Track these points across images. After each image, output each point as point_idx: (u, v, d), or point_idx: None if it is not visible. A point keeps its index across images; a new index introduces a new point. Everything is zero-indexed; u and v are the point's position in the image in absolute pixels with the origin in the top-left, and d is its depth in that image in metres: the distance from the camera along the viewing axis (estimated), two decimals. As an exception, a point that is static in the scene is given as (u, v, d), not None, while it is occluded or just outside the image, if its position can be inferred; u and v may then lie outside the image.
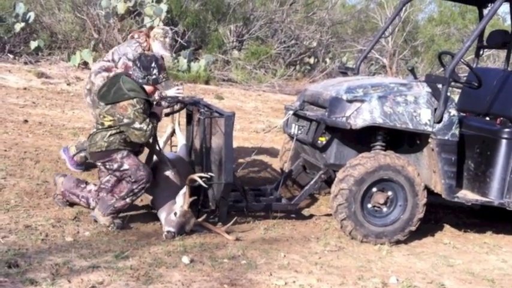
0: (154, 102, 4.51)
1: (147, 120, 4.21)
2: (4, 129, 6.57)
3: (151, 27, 5.36)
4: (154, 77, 4.32)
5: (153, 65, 4.31)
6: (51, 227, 4.10)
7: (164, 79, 4.40)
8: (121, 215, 4.41)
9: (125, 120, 4.17)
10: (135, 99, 4.17)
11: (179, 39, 12.12)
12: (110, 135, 4.26)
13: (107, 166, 4.33)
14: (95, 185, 4.57)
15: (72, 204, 4.56)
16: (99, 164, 4.41)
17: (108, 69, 5.14)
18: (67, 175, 4.66)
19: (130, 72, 4.40)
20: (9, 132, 6.49)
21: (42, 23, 11.98)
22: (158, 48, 5.11)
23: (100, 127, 4.31)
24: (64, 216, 4.34)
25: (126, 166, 4.27)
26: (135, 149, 4.42)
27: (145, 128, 4.18)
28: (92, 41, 11.63)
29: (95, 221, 4.30)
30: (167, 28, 5.35)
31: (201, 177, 4.29)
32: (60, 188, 4.54)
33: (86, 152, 4.66)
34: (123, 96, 4.17)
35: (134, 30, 5.49)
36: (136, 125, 4.16)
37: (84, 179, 4.70)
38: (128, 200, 4.31)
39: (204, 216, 4.38)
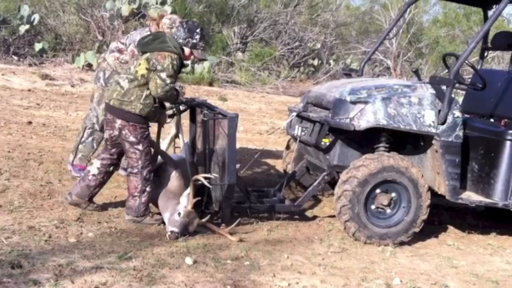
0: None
1: (174, 80, 4.32)
2: (8, 130, 6.59)
3: (162, 16, 5.30)
4: (194, 41, 4.41)
5: (197, 30, 4.43)
6: (55, 228, 4.10)
7: (201, 48, 4.47)
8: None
9: (158, 67, 4.24)
10: (175, 55, 4.28)
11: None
12: (146, 96, 4.29)
13: (123, 132, 4.31)
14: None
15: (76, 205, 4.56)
16: (118, 122, 4.31)
17: (120, 51, 5.19)
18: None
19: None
20: (13, 133, 6.51)
21: (46, 25, 12.04)
22: None
23: (133, 78, 4.31)
24: (67, 217, 4.35)
25: (140, 147, 4.33)
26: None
27: (168, 82, 4.24)
28: (96, 43, 11.68)
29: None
30: (175, 17, 5.25)
31: (205, 178, 4.30)
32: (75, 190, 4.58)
33: (106, 99, 4.51)
34: (167, 47, 4.28)
35: (149, 18, 5.48)
36: (163, 75, 4.23)
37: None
38: (148, 189, 4.40)
39: (207, 217, 4.38)
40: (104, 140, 4.67)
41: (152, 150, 4.48)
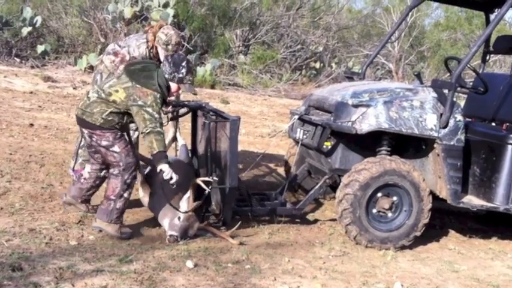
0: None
1: (160, 116, 4.21)
2: (10, 132, 6.60)
3: (160, 25, 5.11)
4: (181, 75, 4.27)
5: (183, 64, 4.28)
6: (56, 230, 4.10)
7: (189, 81, 4.34)
8: (127, 223, 4.41)
9: (140, 102, 4.10)
10: (159, 94, 4.17)
11: (185, 44, 12.17)
12: (111, 113, 4.15)
13: (94, 139, 4.20)
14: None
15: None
16: (85, 131, 4.24)
17: (116, 54, 5.08)
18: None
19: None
20: (14, 135, 6.51)
21: (49, 27, 12.07)
22: (161, 54, 4.98)
23: (103, 96, 4.20)
24: (68, 220, 4.34)
25: (116, 149, 4.17)
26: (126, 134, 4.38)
27: (156, 116, 4.12)
28: (98, 45, 11.70)
29: (100, 231, 4.22)
30: (171, 33, 5.02)
31: (204, 181, 4.29)
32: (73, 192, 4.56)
33: (77, 115, 4.35)
34: (152, 85, 4.15)
35: (148, 25, 5.35)
36: (150, 110, 4.10)
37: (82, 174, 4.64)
38: (125, 195, 4.21)
39: (208, 221, 4.37)
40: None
41: (133, 151, 4.32)
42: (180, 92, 4.59)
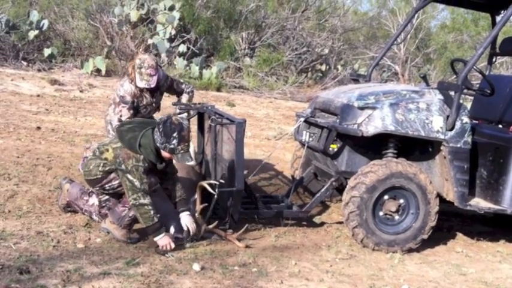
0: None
1: (144, 180, 4.01)
2: (17, 135, 6.63)
3: (135, 57, 5.11)
4: (172, 146, 4.05)
5: (174, 134, 4.03)
6: (63, 233, 4.11)
7: (182, 151, 4.08)
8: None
9: (122, 167, 4.02)
10: (141, 156, 4.04)
11: (191, 47, 12.19)
12: (104, 165, 4.19)
13: (107, 187, 4.27)
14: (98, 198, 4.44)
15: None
16: (97, 188, 4.31)
17: (114, 101, 5.13)
18: (73, 182, 4.60)
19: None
20: (22, 139, 6.54)
21: (55, 30, 12.11)
22: (137, 81, 4.93)
23: (97, 154, 4.23)
24: (76, 223, 4.36)
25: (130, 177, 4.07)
26: None
27: (137, 184, 3.97)
28: (105, 49, 11.73)
29: (108, 233, 4.23)
30: (145, 57, 4.96)
31: (210, 184, 4.29)
32: (65, 196, 4.50)
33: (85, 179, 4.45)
34: (133, 147, 4.04)
35: (130, 63, 5.24)
36: (130, 176, 3.98)
37: (88, 189, 4.52)
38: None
39: (215, 223, 4.37)
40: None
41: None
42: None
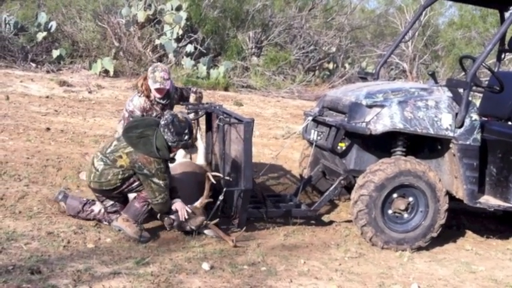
0: None
1: (167, 180, 4.21)
2: (27, 137, 6.67)
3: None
4: (184, 142, 4.28)
5: (186, 131, 4.24)
6: (73, 233, 4.14)
7: (191, 144, 4.46)
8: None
9: (145, 171, 4.15)
10: (160, 159, 4.18)
11: (198, 47, 12.21)
12: (123, 172, 4.23)
13: (125, 190, 4.32)
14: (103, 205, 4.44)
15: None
16: (113, 194, 4.34)
17: (123, 117, 5.17)
18: (68, 197, 4.53)
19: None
20: (31, 140, 6.58)
21: (63, 32, 12.16)
22: (151, 84, 4.99)
23: (109, 163, 4.24)
24: (86, 223, 4.38)
25: (155, 180, 4.20)
26: None
27: (163, 185, 4.18)
28: (112, 49, 11.77)
29: (119, 231, 4.27)
30: (158, 63, 5.24)
31: (214, 176, 4.37)
32: (68, 212, 4.48)
33: (86, 180, 4.48)
34: (150, 152, 4.15)
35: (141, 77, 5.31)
36: (156, 179, 4.16)
37: (87, 199, 4.54)
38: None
39: (216, 220, 4.35)
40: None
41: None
42: (201, 97, 4.67)
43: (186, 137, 4.25)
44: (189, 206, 4.34)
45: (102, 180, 4.26)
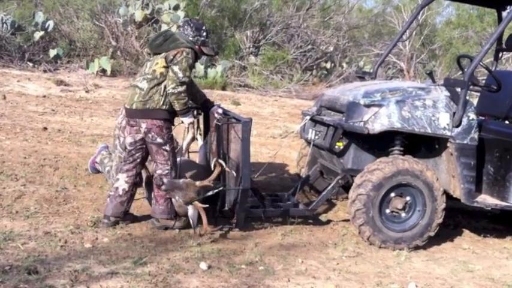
0: None
1: (187, 73, 4.36)
2: (24, 136, 6.66)
3: None
4: (203, 38, 4.52)
5: (203, 28, 4.54)
6: (70, 233, 4.13)
7: (209, 44, 4.59)
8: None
9: (173, 60, 4.33)
10: (188, 49, 4.38)
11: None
12: (164, 89, 4.36)
13: (150, 135, 4.36)
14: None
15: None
16: (143, 126, 4.35)
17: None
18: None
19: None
20: (28, 139, 6.57)
21: (61, 31, 12.15)
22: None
23: (150, 77, 4.37)
24: (83, 223, 4.38)
25: (168, 148, 4.39)
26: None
27: (180, 75, 4.32)
28: (110, 49, 11.77)
29: (165, 229, 4.43)
30: None
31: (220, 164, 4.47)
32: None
33: (126, 105, 4.50)
34: (180, 44, 4.38)
35: None
36: (175, 68, 4.31)
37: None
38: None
39: (206, 205, 4.30)
40: (126, 149, 4.58)
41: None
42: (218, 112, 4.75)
43: (204, 34, 4.51)
44: (189, 179, 4.38)
45: (147, 98, 4.36)
